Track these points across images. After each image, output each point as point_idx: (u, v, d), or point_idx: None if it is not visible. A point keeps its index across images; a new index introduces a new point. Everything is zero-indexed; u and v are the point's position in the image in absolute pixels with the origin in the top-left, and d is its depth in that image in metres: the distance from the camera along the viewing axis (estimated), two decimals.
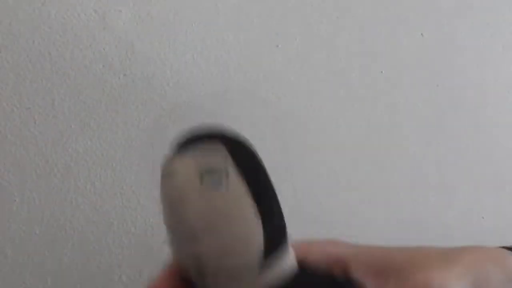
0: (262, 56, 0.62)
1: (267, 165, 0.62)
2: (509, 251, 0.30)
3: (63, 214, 0.55)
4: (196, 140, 0.27)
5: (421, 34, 0.71)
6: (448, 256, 0.28)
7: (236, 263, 0.25)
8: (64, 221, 0.55)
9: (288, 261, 0.27)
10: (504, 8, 0.75)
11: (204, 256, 0.25)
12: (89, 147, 0.56)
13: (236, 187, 0.25)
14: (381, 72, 0.69)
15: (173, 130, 0.59)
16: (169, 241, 0.28)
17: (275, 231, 0.26)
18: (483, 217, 0.76)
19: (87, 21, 0.55)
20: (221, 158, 0.26)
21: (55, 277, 0.55)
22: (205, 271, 0.25)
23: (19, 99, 0.53)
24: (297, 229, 0.71)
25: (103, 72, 0.56)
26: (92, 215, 0.56)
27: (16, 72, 0.53)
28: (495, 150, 0.76)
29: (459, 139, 0.74)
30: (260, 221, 0.25)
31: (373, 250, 0.30)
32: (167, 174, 0.26)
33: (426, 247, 0.30)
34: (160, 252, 0.58)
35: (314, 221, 0.67)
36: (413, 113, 0.71)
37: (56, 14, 0.54)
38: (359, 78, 0.68)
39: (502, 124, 0.77)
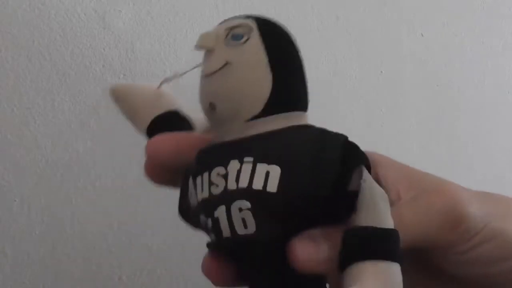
0: None
1: None
2: None
3: (63, 214, 0.55)
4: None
5: (421, 34, 0.71)
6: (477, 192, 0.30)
7: (235, 103, 0.28)
8: (64, 221, 0.55)
9: (290, 124, 0.29)
10: (504, 8, 0.75)
11: (214, 90, 0.29)
12: (89, 147, 0.56)
13: (255, 48, 0.29)
14: (381, 72, 0.69)
15: None
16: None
17: (285, 93, 0.29)
18: None
19: (87, 21, 0.55)
20: (248, 24, 0.30)
21: (55, 277, 0.55)
22: (215, 106, 0.29)
23: (19, 99, 0.53)
24: None
25: (103, 72, 0.56)
26: (92, 215, 0.56)
27: (16, 72, 0.53)
28: (495, 150, 0.76)
29: (459, 139, 0.74)
30: (271, 77, 0.28)
31: (411, 168, 0.32)
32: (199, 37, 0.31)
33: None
34: (160, 252, 0.58)
35: None
36: (413, 113, 0.71)
37: (56, 14, 0.54)
38: (359, 78, 0.68)
39: (502, 124, 0.77)
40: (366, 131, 0.68)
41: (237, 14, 0.63)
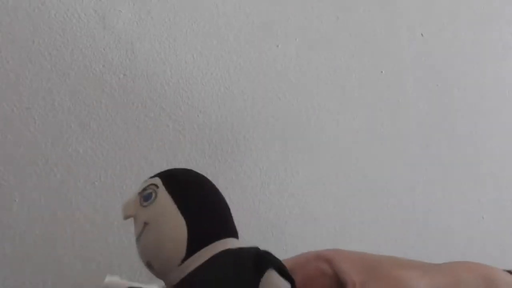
0: (262, 56, 0.62)
1: (266, 165, 0.63)
2: (495, 267, 0.32)
3: (63, 214, 0.55)
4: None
5: (421, 34, 0.71)
6: (429, 266, 0.32)
7: (163, 257, 0.32)
8: (64, 221, 0.55)
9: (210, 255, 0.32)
10: (504, 8, 0.75)
11: (145, 251, 0.32)
12: (89, 147, 0.56)
13: (163, 201, 0.32)
14: (381, 72, 0.69)
15: (173, 130, 0.59)
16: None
17: (200, 231, 0.32)
18: (483, 217, 0.76)
19: (87, 21, 0.55)
20: (153, 182, 0.34)
21: (55, 277, 0.55)
22: (151, 263, 0.32)
23: (19, 99, 0.53)
24: (296, 227, 0.71)
25: (103, 72, 0.56)
26: (92, 215, 0.56)
27: (16, 72, 0.53)
28: (495, 150, 0.76)
29: (459, 139, 0.74)
30: (185, 222, 0.32)
31: (362, 253, 0.34)
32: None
33: (417, 261, 0.33)
34: None
35: (314, 219, 0.67)
36: (413, 113, 0.71)
37: (56, 14, 0.54)
38: (359, 78, 0.68)
39: (502, 124, 0.77)
40: (366, 131, 0.68)
41: (237, 14, 0.62)
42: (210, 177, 0.63)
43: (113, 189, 0.57)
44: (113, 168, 0.57)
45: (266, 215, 0.64)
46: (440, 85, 0.72)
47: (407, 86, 0.71)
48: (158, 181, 0.33)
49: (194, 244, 0.32)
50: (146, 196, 0.33)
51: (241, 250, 0.32)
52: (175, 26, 0.59)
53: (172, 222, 0.32)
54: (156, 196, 0.32)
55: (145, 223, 0.32)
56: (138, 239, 0.32)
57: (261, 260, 0.30)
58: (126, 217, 0.33)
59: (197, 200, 0.33)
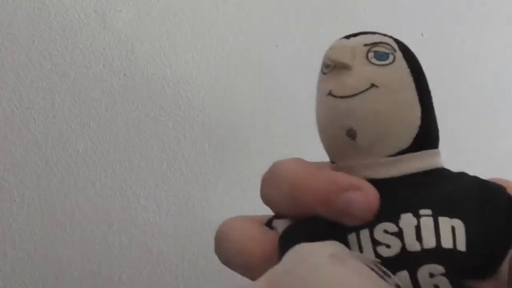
0: (262, 56, 0.62)
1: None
2: None
3: (63, 214, 0.55)
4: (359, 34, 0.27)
5: (421, 34, 0.71)
6: None
7: (383, 131, 0.24)
8: (64, 221, 0.55)
9: (435, 161, 0.26)
10: (504, 8, 0.75)
11: (357, 114, 0.24)
12: (89, 147, 0.56)
13: (401, 72, 0.25)
14: None
15: (173, 130, 0.59)
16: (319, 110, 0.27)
17: (431, 125, 0.26)
18: None
19: (87, 21, 0.55)
20: (390, 43, 0.26)
21: (55, 277, 0.55)
22: (355, 133, 0.24)
23: (19, 99, 0.53)
24: None
25: (103, 72, 0.56)
26: (92, 215, 0.56)
27: (16, 72, 0.53)
28: (495, 150, 0.76)
29: (459, 139, 0.74)
30: (419, 106, 0.25)
31: None
32: (329, 49, 0.26)
33: None
34: (160, 252, 0.58)
35: None
36: None
37: (56, 14, 0.54)
38: None
39: (502, 124, 0.77)
40: None
41: (237, 14, 0.62)
42: (210, 177, 0.63)
43: (113, 189, 0.57)
44: (113, 168, 0.57)
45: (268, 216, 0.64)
46: (440, 85, 0.72)
47: None
48: (393, 44, 0.26)
49: (421, 140, 0.25)
50: (380, 54, 0.25)
51: (482, 179, 0.26)
52: (175, 26, 0.59)
53: (409, 100, 0.25)
54: (394, 61, 0.25)
55: (373, 85, 0.24)
56: (350, 97, 0.24)
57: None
58: (340, 65, 0.25)
59: (429, 90, 0.26)
